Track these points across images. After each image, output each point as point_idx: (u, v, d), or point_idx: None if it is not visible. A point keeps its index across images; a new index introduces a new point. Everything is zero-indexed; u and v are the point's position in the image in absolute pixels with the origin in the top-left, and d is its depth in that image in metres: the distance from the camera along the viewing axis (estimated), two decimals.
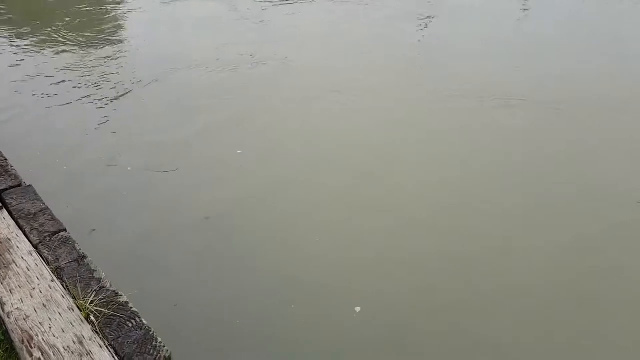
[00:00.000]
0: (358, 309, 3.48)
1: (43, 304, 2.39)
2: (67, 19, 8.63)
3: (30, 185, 3.13)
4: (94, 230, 4.11)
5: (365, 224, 4.22)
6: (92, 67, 6.92)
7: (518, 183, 4.71)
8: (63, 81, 6.46)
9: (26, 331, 2.27)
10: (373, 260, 3.90)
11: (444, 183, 4.72)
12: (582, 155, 5.13)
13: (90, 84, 6.43)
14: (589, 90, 6.40)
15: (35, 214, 2.93)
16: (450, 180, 4.76)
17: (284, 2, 9.68)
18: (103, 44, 7.76)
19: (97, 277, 2.58)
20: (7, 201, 2.98)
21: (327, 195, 4.57)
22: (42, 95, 6.14)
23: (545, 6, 9.62)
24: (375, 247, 4.01)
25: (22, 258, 2.62)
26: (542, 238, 4.07)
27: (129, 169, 4.91)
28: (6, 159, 3.35)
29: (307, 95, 6.22)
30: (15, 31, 8.20)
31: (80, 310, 2.38)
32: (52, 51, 7.40)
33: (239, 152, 5.15)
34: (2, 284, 2.48)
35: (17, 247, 2.69)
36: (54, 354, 2.17)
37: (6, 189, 3.07)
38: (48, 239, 2.77)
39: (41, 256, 2.66)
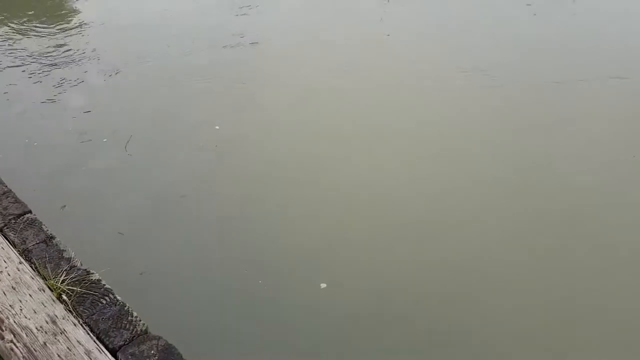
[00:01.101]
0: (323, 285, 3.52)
1: (12, 287, 2.34)
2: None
3: None
4: (64, 206, 4.04)
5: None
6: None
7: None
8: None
9: None
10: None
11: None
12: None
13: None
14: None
15: None
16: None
17: None
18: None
19: (67, 256, 2.54)
20: None
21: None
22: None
23: None
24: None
25: None
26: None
27: (104, 140, 4.84)
28: None
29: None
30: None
31: (52, 291, 2.33)
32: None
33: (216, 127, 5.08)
34: None
35: None
36: (26, 335, 2.13)
37: None
38: (13, 221, 2.70)
39: (7, 239, 2.59)
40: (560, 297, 3.40)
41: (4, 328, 2.17)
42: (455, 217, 4.00)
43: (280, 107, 5.44)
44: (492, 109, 5.39)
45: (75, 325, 2.19)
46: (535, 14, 7.45)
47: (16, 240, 2.59)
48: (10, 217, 2.71)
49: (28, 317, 2.21)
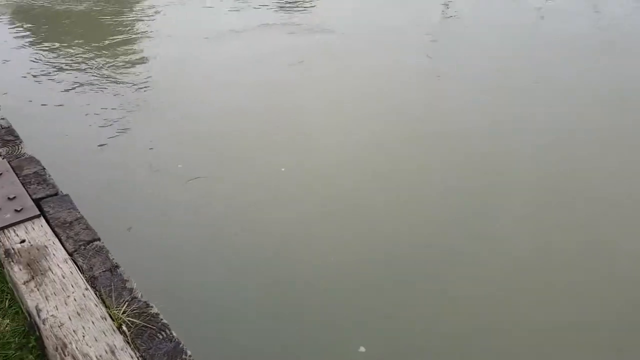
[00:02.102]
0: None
1: (77, 312, 2.44)
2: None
3: (66, 195, 3.21)
4: (130, 228, 4.23)
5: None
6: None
7: None
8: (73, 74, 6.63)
9: (60, 339, 2.31)
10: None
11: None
12: None
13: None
14: None
15: (70, 222, 2.99)
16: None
17: None
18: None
19: (129, 287, 2.62)
20: (44, 209, 3.06)
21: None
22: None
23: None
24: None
25: (58, 266, 2.68)
26: None
27: (179, 166, 5.03)
28: (44, 168, 3.44)
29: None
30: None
31: (113, 320, 2.41)
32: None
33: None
34: (38, 290, 2.54)
35: (54, 254, 2.75)
36: None
37: (44, 197, 3.16)
38: (82, 247, 2.83)
39: (76, 264, 2.71)
40: None
41: (66, 353, 2.26)
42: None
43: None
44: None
45: (132, 357, 2.24)
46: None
47: (84, 267, 2.71)
48: (80, 244, 2.85)
49: (89, 344, 2.29)
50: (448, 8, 10.31)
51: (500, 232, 4.29)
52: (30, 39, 8.42)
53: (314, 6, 10.02)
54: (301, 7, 9.81)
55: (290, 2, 9.85)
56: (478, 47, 8.09)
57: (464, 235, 4.17)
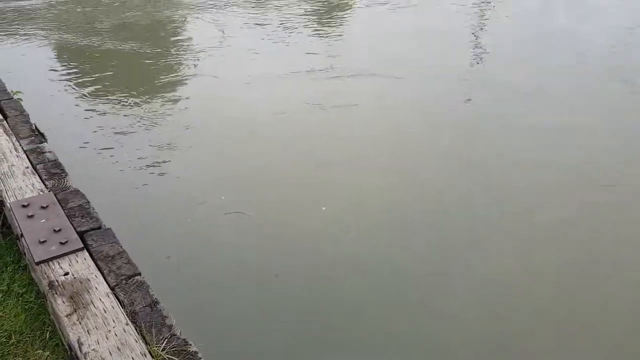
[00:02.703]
0: None
1: (118, 347, 2.44)
2: None
3: (109, 228, 3.27)
4: (169, 257, 4.29)
5: None
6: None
7: None
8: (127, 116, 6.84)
9: None
10: None
11: None
12: None
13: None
14: None
15: (113, 256, 3.04)
16: None
17: None
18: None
19: (169, 323, 2.63)
20: (88, 242, 3.12)
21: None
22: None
23: None
24: None
25: (100, 299, 2.71)
26: None
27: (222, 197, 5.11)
28: (88, 202, 3.53)
29: None
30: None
31: (152, 357, 2.41)
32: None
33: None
34: (80, 323, 2.56)
35: (96, 288, 2.78)
36: None
37: (87, 231, 3.22)
38: (124, 282, 2.86)
39: (117, 299, 2.74)
40: None
41: None
42: None
43: None
44: None
45: None
46: None
47: (125, 301, 2.73)
48: (122, 278, 2.88)
49: None
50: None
51: None
52: (75, 78, 8.78)
53: (353, 48, 10.23)
54: (344, 51, 9.99)
55: (332, 49, 10.06)
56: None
57: None
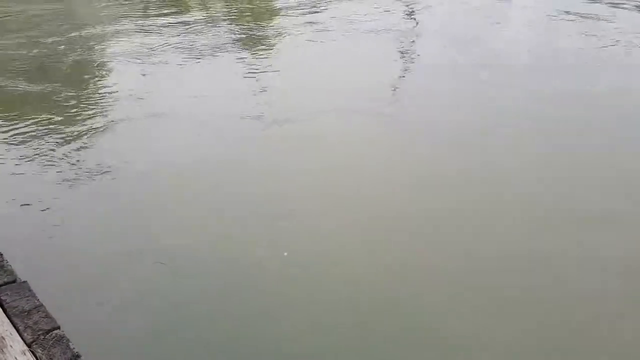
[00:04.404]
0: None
1: None
2: None
3: (25, 282, 3.16)
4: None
5: None
6: None
7: None
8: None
9: None
10: None
11: None
12: None
13: None
14: None
15: (29, 311, 2.93)
16: None
17: None
18: None
19: None
20: (1, 298, 2.99)
21: None
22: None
23: None
24: None
25: (16, 358, 2.60)
26: None
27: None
28: (1, 254, 3.38)
29: None
30: None
31: None
32: None
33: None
34: None
35: (11, 346, 2.67)
36: None
37: (1, 285, 3.09)
38: (42, 337, 2.77)
39: (35, 356, 2.64)
40: None
41: None
42: None
43: None
44: None
45: None
46: None
47: (43, 358, 2.64)
48: (39, 333, 2.78)
49: None
50: None
51: None
52: None
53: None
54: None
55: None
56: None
57: None
